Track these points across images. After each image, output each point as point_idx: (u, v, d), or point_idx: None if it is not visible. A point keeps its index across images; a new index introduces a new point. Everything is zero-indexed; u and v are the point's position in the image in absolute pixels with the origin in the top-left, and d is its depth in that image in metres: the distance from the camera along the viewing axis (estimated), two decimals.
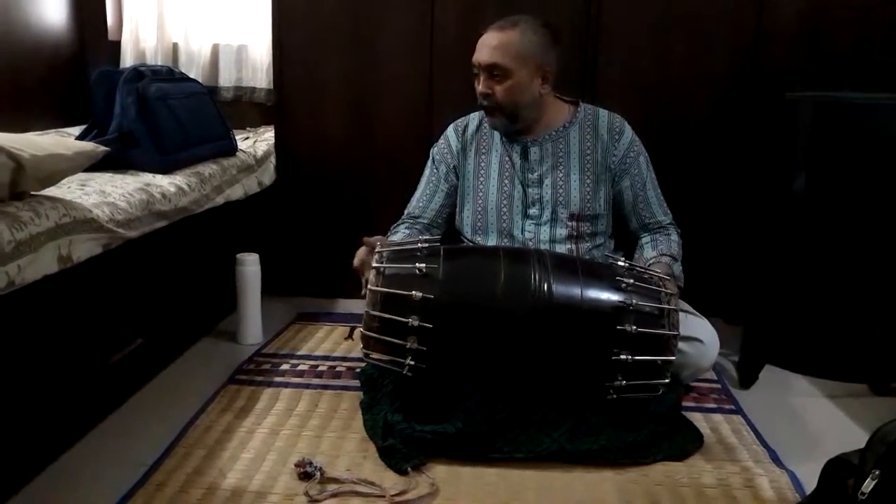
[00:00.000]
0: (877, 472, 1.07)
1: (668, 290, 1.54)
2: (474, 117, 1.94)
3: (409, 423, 1.51)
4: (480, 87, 1.78)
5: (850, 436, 1.61)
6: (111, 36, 2.85)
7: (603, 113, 1.88)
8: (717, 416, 1.71)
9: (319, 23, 2.34)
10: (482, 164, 1.89)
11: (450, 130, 1.96)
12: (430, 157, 1.97)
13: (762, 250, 2.08)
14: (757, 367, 1.92)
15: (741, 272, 2.25)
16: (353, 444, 1.54)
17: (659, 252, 1.78)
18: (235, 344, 2.09)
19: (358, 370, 1.80)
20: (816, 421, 1.73)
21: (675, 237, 1.85)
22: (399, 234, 1.87)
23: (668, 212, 1.89)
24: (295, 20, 2.35)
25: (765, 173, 2.17)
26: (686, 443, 1.54)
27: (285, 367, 1.92)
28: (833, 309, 1.92)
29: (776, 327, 1.97)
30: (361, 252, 1.67)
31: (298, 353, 2.03)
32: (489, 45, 1.75)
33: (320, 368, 1.92)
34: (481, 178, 1.88)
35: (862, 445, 1.14)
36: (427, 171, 1.96)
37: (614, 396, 1.52)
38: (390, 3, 2.29)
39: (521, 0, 2.03)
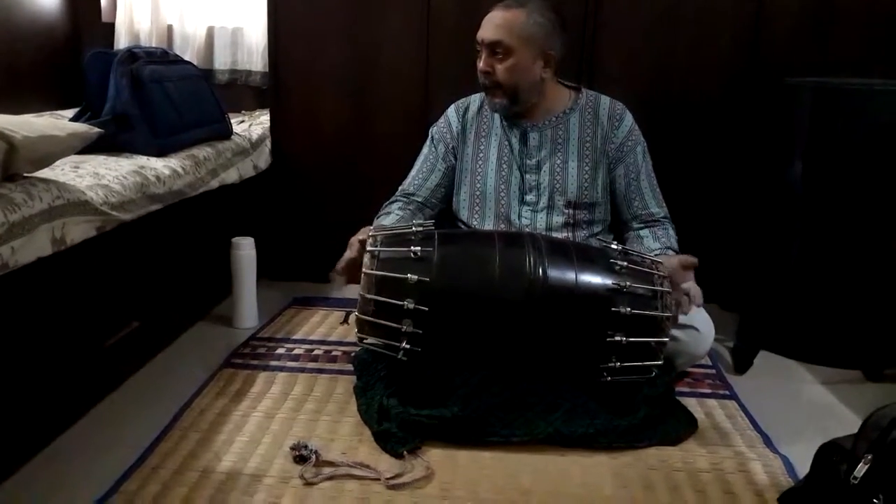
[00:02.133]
0: (869, 457, 1.08)
1: (661, 273, 1.55)
2: (475, 99, 1.92)
3: (404, 407, 1.51)
4: (481, 65, 1.76)
5: (843, 421, 1.62)
6: (105, 18, 2.82)
7: (605, 99, 1.86)
8: (712, 402, 1.72)
9: (315, 6, 2.32)
10: (481, 148, 1.88)
11: (450, 110, 1.94)
12: (429, 136, 1.95)
13: (759, 237, 2.08)
14: (752, 353, 1.93)
15: (738, 259, 2.25)
16: (349, 427, 1.54)
17: (663, 245, 1.76)
18: (231, 328, 2.09)
19: (352, 354, 1.80)
20: (810, 406, 1.74)
21: (672, 232, 1.83)
22: (392, 214, 1.85)
23: (664, 205, 1.86)
24: (291, 2, 2.33)
25: (763, 160, 2.17)
26: (680, 427, 1.55)
27: (281, 351, 1.92)
28: (828, 296, 1.93)
29: (772, 314, 1.98)
30: (360, 235, 1.65)
31: (294, 337, 2.03)
32: (494, 23, 1.73)
33: (316, 353, 1.92)
34: (479, 162, 1.87)
35: (855, 431, 1.14)
36: (425, 150, 1.95)
37: (608, 379, 1.53)
38: None
39: None
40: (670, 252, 1.73)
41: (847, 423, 1.58)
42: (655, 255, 1.69)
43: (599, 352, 1.51)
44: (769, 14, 2.18)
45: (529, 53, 1.73)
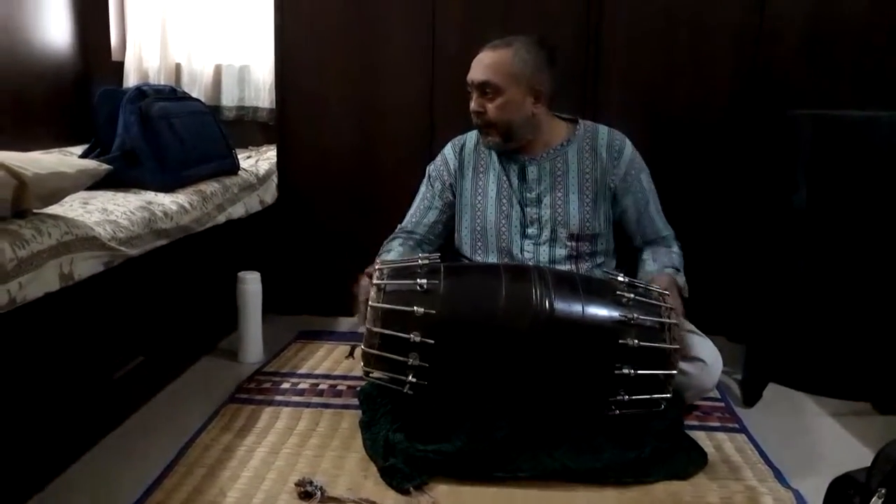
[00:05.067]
0: (883, 491, 1.06)
1: (668, 305, 1.54)
2: (472, 136, 1.94)
3: (410, 441, 1.50)
4: (473, 105, 1.79)
5: (854, 454, 1.60)
6: (115, 56, 2.87)
7: (603, 130, 1.88)
8: (721, 435, 1.70)
9: (321, 43, 2.36)
10: (480, 183, 1.90)
11: (447, 148, 1.97)
12: (426, 174, 1.98)
13: (765, 267, 2.07)
14: (761, 386, 1.91)
15: (744, 289, 2.25)
16: (354, 463, 1.53)
17: (661, 265, 1.78)
18: (236, 362, 2.08)
19: (358, 388, 1.79)
20: (821, 439, 1.72)
21: (675, 248, 1.86)
22: (393, 251, 1.86)
23: (669, 225, 1.91)
24: (297, 41, 2.37)
25: (766, 189, 2.17)
26: (690, 461, 1.53)
27: (286, 385, 1.92)
28: (837, 327, 1.92)
29: (780, 345, 1.97)
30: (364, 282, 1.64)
31: (299, 371, 2.02)
32: (482, 63, 1.77)
33: (321, 387, 1.91)
34: (479, 197, 1.89)
35: (866, 464, 1.13)
36: (422, 188, 1.98)
37: (616, 412, 1.52)
38: (392, 24, 2.31)
39: (521, 17, 2.04)
40: (668, 270, 1.74)
41: (858, 455, 1.56)
42: (651, 277, 1.71)
43: (607, 384, 1.50)
44: (769, 41, 2.20)
45: (518, 90, 1.76)
